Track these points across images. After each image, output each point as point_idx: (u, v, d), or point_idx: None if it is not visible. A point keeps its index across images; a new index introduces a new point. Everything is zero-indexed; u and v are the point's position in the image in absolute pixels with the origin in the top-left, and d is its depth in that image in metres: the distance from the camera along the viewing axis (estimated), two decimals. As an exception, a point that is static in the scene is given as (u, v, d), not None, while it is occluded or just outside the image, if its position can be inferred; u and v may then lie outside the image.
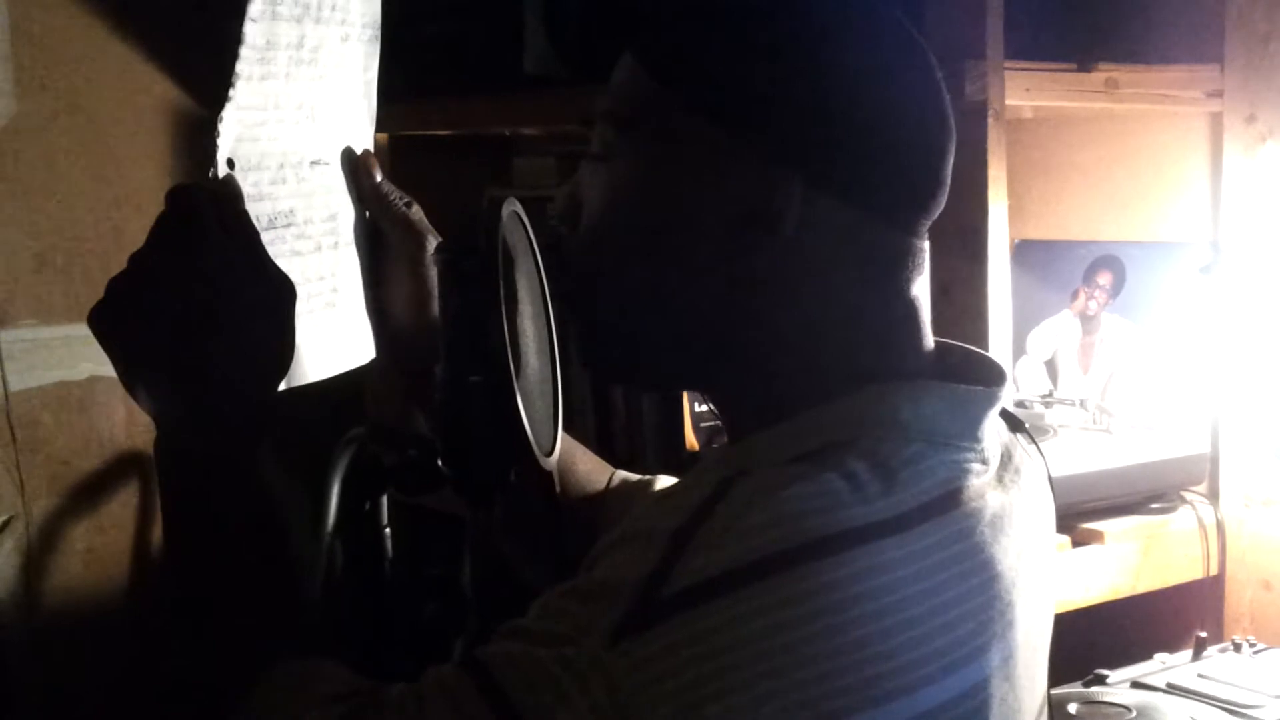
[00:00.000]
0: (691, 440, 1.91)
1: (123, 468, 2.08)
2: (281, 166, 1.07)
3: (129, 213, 2.05)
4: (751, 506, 0.81)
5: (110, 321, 0.93)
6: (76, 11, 2.06)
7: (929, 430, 0.88)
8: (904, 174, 0.91)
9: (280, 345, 0.97)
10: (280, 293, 0.96)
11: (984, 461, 0.91)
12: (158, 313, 0.92)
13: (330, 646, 0.94)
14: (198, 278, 0.92)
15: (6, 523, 2.03)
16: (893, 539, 0.82)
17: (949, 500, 0.87)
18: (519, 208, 1.06)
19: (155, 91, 2.13)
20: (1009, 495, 0.92)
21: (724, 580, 0.78)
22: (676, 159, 0.91)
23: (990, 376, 0.95)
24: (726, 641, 0.78)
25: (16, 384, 2.01)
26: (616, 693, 0.78)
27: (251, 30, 0.99)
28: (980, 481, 0.89)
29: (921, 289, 0.95)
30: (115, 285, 0.93)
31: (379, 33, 1.18)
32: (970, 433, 0.90)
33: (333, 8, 1.10)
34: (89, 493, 2.09)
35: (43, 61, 2.04)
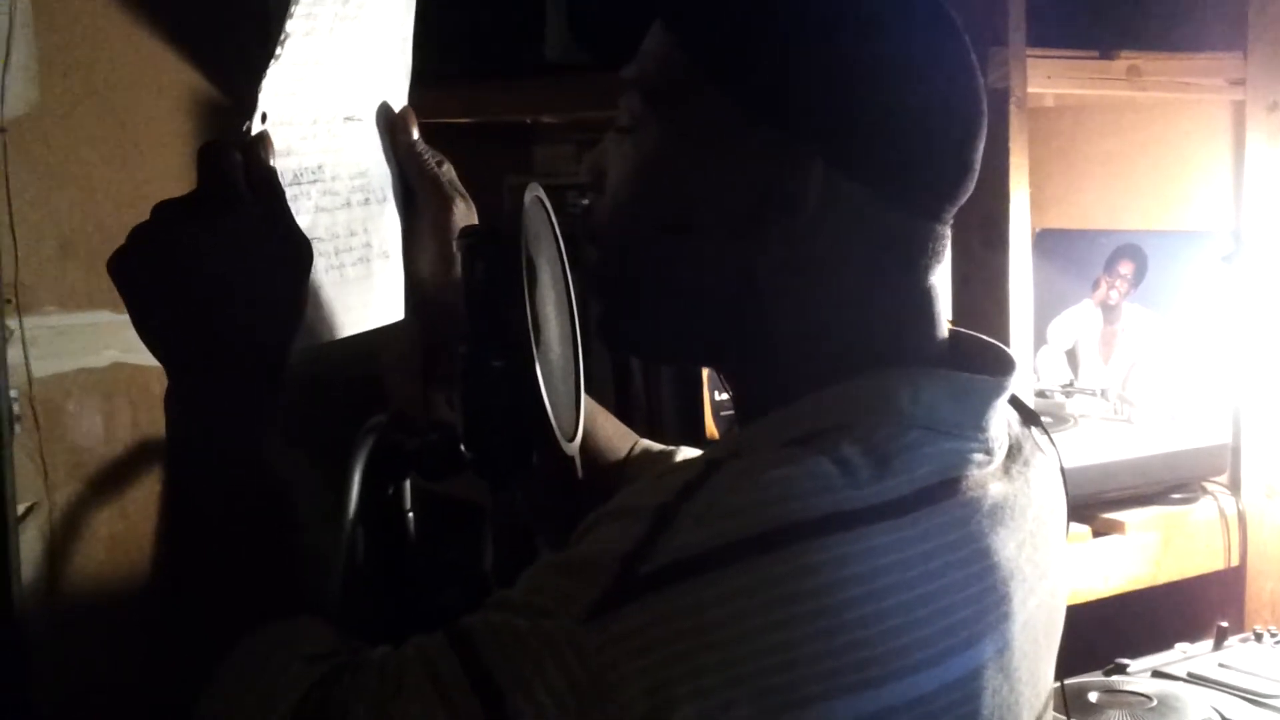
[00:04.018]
0: (712, 428, 1.91)
1: (145, 454, 2.09)
2: (315, 122, 1.07)
3: (151, 199, 2.04)
4: (735, 488, 0.81)
5: (129, 268, 0.94)
6: (101, 1, 2.06)
7: (929, 417, 0.87)
8: (929, 159, 0.90)
9: (290, 305, 0.98)
10: (296, 252, 0.98)
11: (988, 452, 0.90)
12: (174, 262, 0.93)
13: (320, 606, 0.94)
14: (216, 231, 0.94)
15: (30, 509, 2.04)
16: (881, 524, 0.81)
17: (945, 488, 0.86)
18: (542, 193, 1.06)
19: (178, 78, 2.13)
20: (1014, 487, 0.91)
21: (701, 560, 0.78)
22: (700, 133, 0.91)
23: (999, 366, 0.94)
24: (699, 622, 0.78)
25: (40, 370, 2.02)
26: (590, 667, 0.78)
27: None
28: (982, 472, 0.89)
29: (940, 276, 0.94)
30: (137, 233, 0.95)
31: None
32: (973, 422, 0.90)
33: None
34: (112, 479, 2.10)
35: (65, 49, 2.04)
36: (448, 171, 1.19)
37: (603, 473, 1.23)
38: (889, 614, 0.80)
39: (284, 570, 0.95)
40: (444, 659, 0.82)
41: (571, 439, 1.06)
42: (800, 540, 0.79)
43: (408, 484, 1.08)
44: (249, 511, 0.95)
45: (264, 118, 1.00)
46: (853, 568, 0.80)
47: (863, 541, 0.80)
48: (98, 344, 2.02)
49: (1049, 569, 0.95)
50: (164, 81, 2.12)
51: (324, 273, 1.07)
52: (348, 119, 1.12)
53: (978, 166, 0.93)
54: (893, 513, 0.82)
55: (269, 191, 0.97)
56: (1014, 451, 0.94)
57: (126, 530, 2.12)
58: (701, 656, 0.78)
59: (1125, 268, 2.09)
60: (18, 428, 2.00)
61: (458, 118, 2.16)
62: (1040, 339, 2.07)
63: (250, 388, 0.96)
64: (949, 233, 0.94)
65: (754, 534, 0.79)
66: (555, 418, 0.99)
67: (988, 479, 0.89)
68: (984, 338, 0.99)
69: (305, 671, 0.87)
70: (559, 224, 1.10)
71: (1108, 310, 2.10)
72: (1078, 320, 2.13)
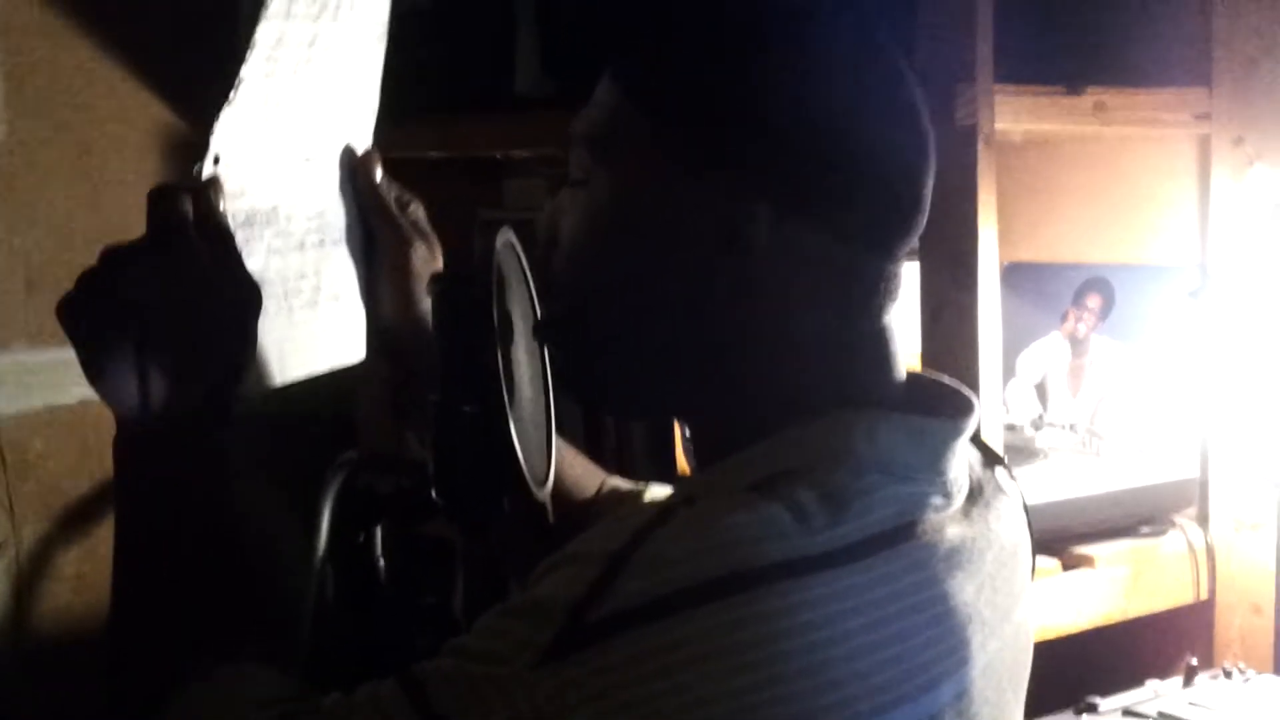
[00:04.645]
0: (684, 465, 1.91)
1: (112, 493, 2.08)
2: (272, 164, 1.07)
3: (120, 236, 2.04)
4: (687, 534, 0.81)
5: (77, 313, 0.94)
6: (68, 36, 2.06)
7: (886, 461, 0.87)
8: (878, 200, 0.91)
9: (239, 350, 0.98)
10: (245, 296, 0.98)
11: (946, 495, 0.90)
12: (122, 308, 0.93)
13: (267, 652, 0.94)
14: (164, 276, 0.94)
15: (-4, 547, 2.02)
16: (832, 571, 0.81)
17: (901, 533, 0.86)
18: (513, 237, 1.06)
19: (147, 115, 2.12)
20: (973, 529, 0.91)
21: (651, 607, 0.78)
22: (647, 183, 0.91)
23: (957, 408, 0.94)
24: (649, 669, 0.77)
25: (7, 408, 2.00)
26: (542, 713, 0.78)
27: (264, 30, 0.99)
28: (939, 515, 0.88)
29: (895, 316, 0.94)
30: (85, 278, 0.95)
31: (386, 31, 1.18)
32: (931, 465, 0.90)
33: (351, 6, 1.09)
34: (80, 518, 2.08)
35: (34, 86, 2.04)
36: (414, 212, 1.19)
37: (571, 512, 1.22)
38: (837, 662, 0.80)
39: (234, 616, 0.95)
40: (396, 706, 0.82)
41: (543, 484, 1.06)
42: (749, 588, 0.79)
43: (379, 530, 1.08)
44: (197, 555, 0.95)
45: (216, 160, 1.00)
46: (801, 615, 0.79)
47: (813, 589, 0.80)
48: (65, 382, 2.01)
49: (1011, 611, 0.95)
50: (132, 118, 2.12)
51: (274, 315, 1.07)
52: (307, 160, 1.12)
53: (927, 204, 0.93)
54: (845, 559, 0.82)
55: (218, 236, 0.97)
56: (974, 494, 0.94)
57: (94, 570, 2.10)
58: (652, 704, 0.77)
59: (1093, 301, 2.10)
60: (-16, 466, 1.99)
61: (429, 152, 2.16)
62: (1009, 372, 2.08)
63: (198, 432, 0.96)
64: (901, 271, 0.94)
65: (703, 581, 0.79)
66: (527, 463, 0.99)
67: (945, 522, 0.89)
68: (943, 379, 0.99)
69: (255, 718, 0.87)
70: (530, 260, 1.09)
71: (1076, 343, 2.11)
72: (1046, 353, 2.14)
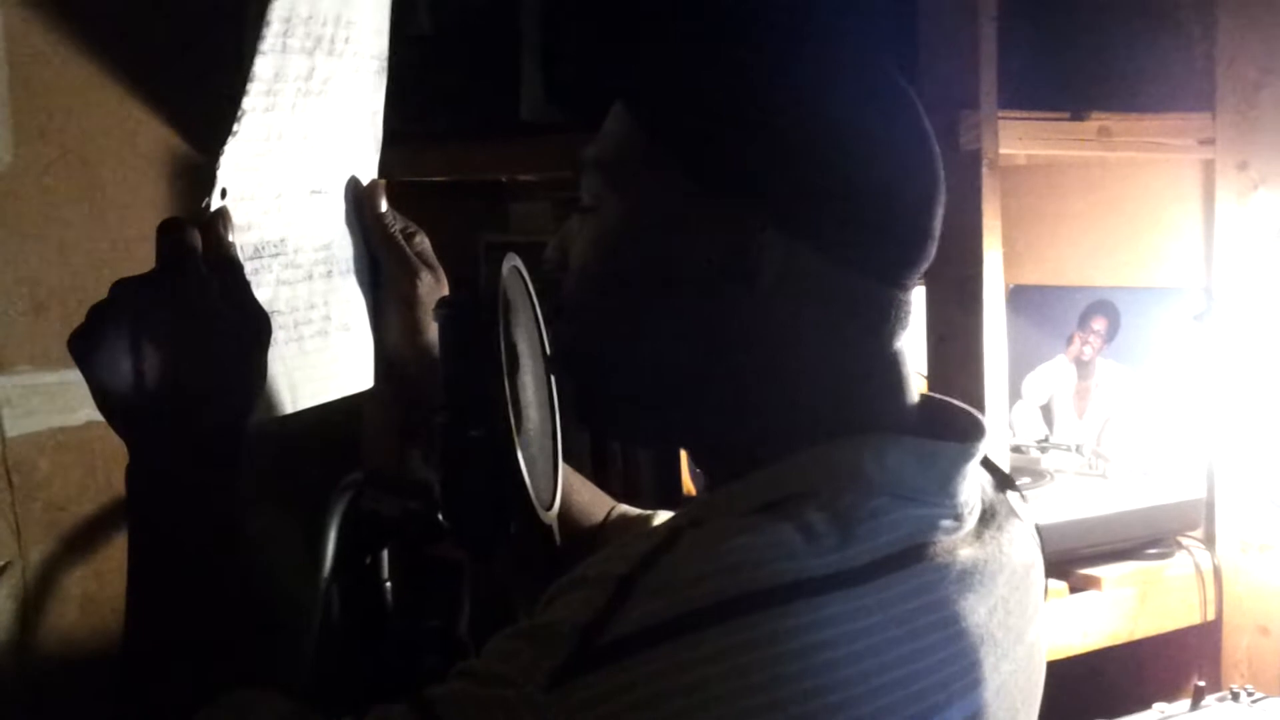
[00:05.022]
0: (690, 487, 1.91)
1: (119, 514, 2.08)
2: (278, 196, 1.08)
3: (125, 258, 2.05)
4: (696, 557, 0.81)
5: (89, 347, 0.95)
6: (74, 59, 2.06)
7: (895, 484, 0.88)
8: (888, 229, 0.91)
9: (249, 380, 0.99)
10: (255, 327, 0.98)
11: (957, 517, 0.90)
12: (133, 340, 0.94)
13: (278, 677, 0.94)
14: (174, 308, 0.95)
15: (3, 569, 2.02)
16: (841, 593, 0.81)
17: (911, 555, 0.86)
18: (519, 263, 1.06)
19: (151, 137, 2.13)
20: (985, 551, 0.91)
21: (660, 630, 0.79)
22: (657, 208, 0.92)
23: (969, 431, 0.94)
24: (658, 691, 0.78)
25: (13, 429, 2.01)
26: None
27: (261, 64, 1.01)
28: (950, 538, 0.89)
29: (905, 342, 0.94)
30: (96, 312, 0.95)
31: (386, 64, 1.19)
32: (941, 488, 0.90)
33: (346, 40, 1.10)
34: (86, 539, 2.08)
35: (40, 109, 2.05)
36: (420, 243, 1.20)
37: (579, 537, 1.22)
38: (846, 684, 0.80)
39: (244, 643, 0.95)
40: None
41: (549, 507, 1.06)
42: (758, 610, 0.79)
43: (385, 554, 1.08)
44: (209, 584, 0.95)
45: (224, 193, 1.01)
46: (811, 636, 0.80)
47: (822, 610, 0.80)
48: (72, 403, 2.02)
49: (1024, 633, 0.95)
50: (139, 141, 2.13)
51: (284, 345, 1.08)
52: (314, 192, 1.13)
53: (938, 232, 0.94)
54: (854, 581, 0.82)
55: (228, 267, 0.98)
56: (986, 516, 0.94)
57: (100, 590, 2.10)
58: None
59: (1098, 323, 2.10)
60: (-9, 487, 1.99)
61: (434, 176, 2.17)
62: (1014, 394, 2.08)
63: (209, 462, 0.96)
64: (911, 299, 0.94)
65: (712, 604, 0.79)
66: (533, 487, 1.00)
67: (957, 545, 0.89)
68: (955, 403, 0.99)
69: None
70: (537, 284, 1.10)
71: (1081, 366, 2.11)
72: (1052, 376, 2.14)
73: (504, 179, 2.31)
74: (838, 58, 0.92)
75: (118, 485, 2.12)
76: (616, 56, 0.97)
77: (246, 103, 1.00)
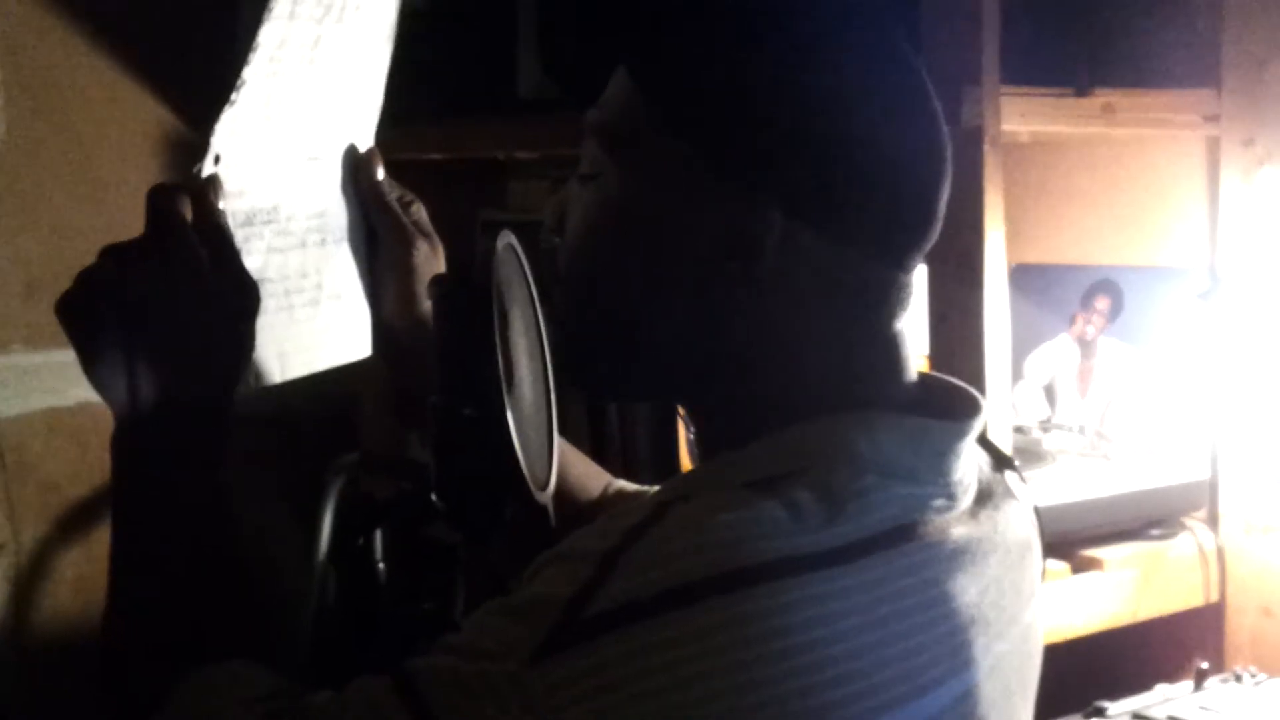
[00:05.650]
0: (687, 463, 1.90)
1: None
2: (273, 162, 1.07)
3: (119, 237, 2.03)
4: (681, 531, 0.80)
5: (76, 311, 0.95)
6: (67, 37, 2.05)
7: (885, 462, 0.87)
8: (892, 210, 0.90)
9: (236, 349, 0.98)
10: (243, 295, 0.98)
11: (950, 497, 0.89)
12: (121, 307, 0.94)
13: (263, 654, 0.93)
14: (162, 275, 0.94)
15: (-4, 550, 2.01)
16: (827, 571, 0.80)
17: (900, 534, 0.85)
18: (514, 240, 1.05)
19: (145, 116, 2.11)
20: (979, 531, 0.90)
21: (644, 605, 0.78)
22: (658, 180, 0.91)
23: (964, 410, 0.93)
24: (641, 668, 0.77)
25: (6, 410, 1.99)
26: (532, 712, 0.78)
27: (266, 32, 0.99)
28: (942, 518, 0.88)
29: (906, 321, 0.93)
30: (84, 276, 0.95)
31: (394, 31, 1.17)
32: (934, 466, 0.89)
33: (356, 8, 1.09)
34: (79, 520, 2.07)
35: (32, 86, 2.02)
36: (416, 211, 1.19)
37: (576, 514, 1.21)
38: (832, 662, 0.79)
39: (228, 614, 0.95)
40: (387, 702, 0.82)
41: (544, 487, 1.05)
42: (743, 586, 0.78)
43: (378, 535, 1.07)
44: (193, 555, 0.95)
45: (217, 159, 1.00)
46: (797, 614, 0.79)
47: (809, 588, 0.80)
48: (65, 384, 2.00)
49: (1019, 614, 0.94)
50: (132, 119, 2.11)
51: (273, 313, 1.07)
52: (310, 159, 1.11)
53: (941, 215, 0.92)
54: (841, 559, 0.81)
55: (216, 234, 0.98)
56: (982, 496, 0.93)
57: (94, 572, 2.09)
58: (642, 704, 0.77)
59: (1101, 303, 2.08)
60: (-16, 468, 1.98)
61: (431, 154, 2.15)
62: (1016, 374, 2.07)
63: (195, 430, 0.96)
64: (912, 280, 0.93)
65: (697, 579, 0.78)
66: (528, 466, 0.99)
67: (949, 524, 0.88)
68: (953, 381, 0.98)
69: (243, 715, 0.86)
70: (534, 261, 1.09)
71: (1084, 345, 2.10)
72: (1054, 355, 2.13)
73: (502, 157, 2.30)
74: (850, 33, 0.91)
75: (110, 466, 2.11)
76: (620, 24, 0.95)
77: (247, 72, 0.99)
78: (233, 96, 0.99)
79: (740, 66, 0.89)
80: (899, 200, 0.90)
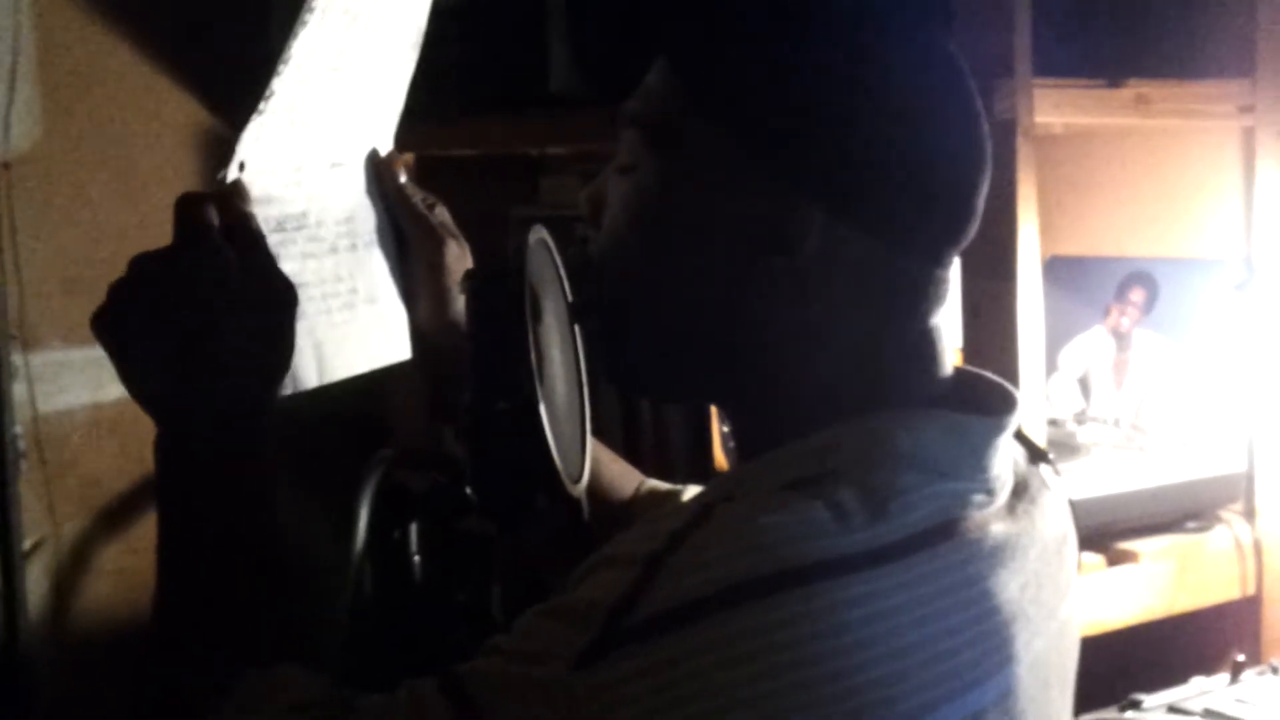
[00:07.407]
0: (721, 461, 1.90)
1: (151, 489, 2.08)
2: (297, 169, 1.07)
3: (156, 234, 2.04)
4: (725, 534, 0.80)
5: (111, 325, 0.95)
6: (103, 36, 2.06)
7: (926, 460, 0.86)
8: (931, 207, 0.89)
9: (277, 349, 0.98)
10: (279, 298, 0.98)
11: (989, 492, 0.89)
12: (155, 316, 0.94)
13: (307, 656, 0.94)
14: (195, 282, 0.94)
15: (36, 545, 2.03)
16: (872, 570, 0.80)
17: (942, 531, 0.85)
18: (546, 234, 1.05)
19: (181, 113, 2.13)
20: (1018, 526, 0.90)
21: (690, 609, 0.78)
22: (698, 173, 0.90)
23: (1001, 405, 0.93)
24: (687, 671, 0.77)
25: (45, 406, 2.01)
26: (581, 715, 0.78)
27: (298, 45, 1.00)
28: (983, 513, 0.88)
29: (942, 317, 0.93)
30: (117, 290, 0.95)
31: (420, 39, 1.18)
32: (973, 463, 0.89)
33: (382, 17, 1.09)
34: (119, 514, 2.09)
35: (70, 85, 2.04)
36: (440, 213, 1.20)
37: (609, 512, 1.22)
38: (878, 662, 0.79)
39: (274, 618, 0.95)
40: (436, 705, 0.82)
41: (577, 481, 1.05)
42: (788, 588, 0.78)
43: (414, 527, 1.08)
44: (238, 558, 0.95)
45: (242, 166, 1.00)
46: (842, 615, 0.79)
47: (853, 588, 0.79)
48: (103, 379, 2.01)
49: (1057, 608, 0.94)
50: (168, 117, 2.12)
51: (313, 317, 1.07)
52: (334, 165, 1.12)
53: (980, 211, 0.92)
54: (885, 558, 0.81)
55: (247, 239, 0.98)
56: (1019, 490, 0.93)
57: (133, 565, 2.11)
58: (690, 706, 0.77)
59: (1136, 294, 2.07)
60: (24, 464, 2.00)
61: (462, 150, 2.16)
62: (1051, 366, 2.06)
63: (238, 435, 0.96)
64: (949, 275, 0.93)
65: (742, 582, 0.78)
66: (561, 460, 0.99)
67: (989, 520, 0.88)
68: (989, 376, 0.98)
69: None
70: (566, 256, 1.09)
71: (1119, 337, 2.09)
72: (1089, 347, 2.12)
73: (533, 152, 2.30)
74: (895, 29, 0.90)
75: (150, 460, 2.10)
76: (667, 14, 0.95)
77: (276, 83, 1.00)
78: (261, 106, 1.00)
79: (785, 60, 0.88)
80: (940, 197, 0.90)
